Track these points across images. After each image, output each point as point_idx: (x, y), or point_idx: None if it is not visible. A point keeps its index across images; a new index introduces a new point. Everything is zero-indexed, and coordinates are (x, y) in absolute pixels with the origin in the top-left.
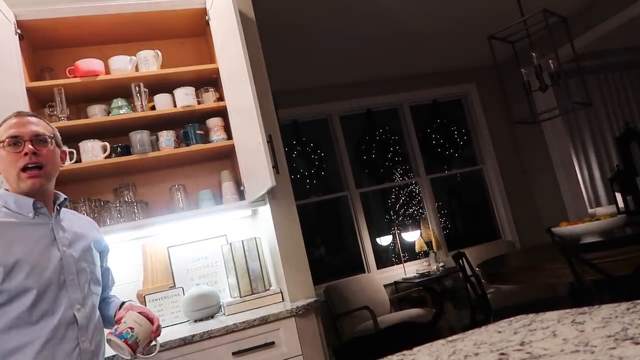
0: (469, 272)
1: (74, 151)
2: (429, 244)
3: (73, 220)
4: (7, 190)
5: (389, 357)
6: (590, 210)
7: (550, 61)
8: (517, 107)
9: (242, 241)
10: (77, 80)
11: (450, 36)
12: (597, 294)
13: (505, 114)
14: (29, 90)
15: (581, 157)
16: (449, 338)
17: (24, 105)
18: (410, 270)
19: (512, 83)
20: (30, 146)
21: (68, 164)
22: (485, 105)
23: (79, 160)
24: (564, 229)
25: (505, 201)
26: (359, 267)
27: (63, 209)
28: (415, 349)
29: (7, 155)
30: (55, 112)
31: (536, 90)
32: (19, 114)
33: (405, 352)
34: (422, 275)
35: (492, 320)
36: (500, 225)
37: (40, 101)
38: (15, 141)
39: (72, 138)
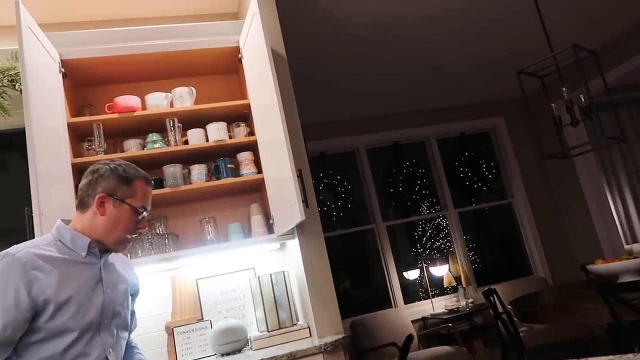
0: (500, 309)
1: None
2: (457, 278)
3: (115, 261)
4: (66, 223)
5: None
6: (626, 247)
7: (581, 95)
8: (547, 140)
9: (270, 274)
10: (115, 115)
11: (478, 70)
12: (636, 336)
13: (535, 147)
14: (70, 126)
15: (615, 191)
16: None
17: (64, 140)
18: (438, 305)
19: (541, 116)
20: (146, 222)
21: None
22: (514, 138)
23: None
24: (600, 266)
25: (536, 236)
26: (384, 301)
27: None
28: None
29: (125, 218)
30: (93, 147)
31: (567, 125)
32: (149, 183)
33: None
34: (451, 311)
35: None
36: (532, 260)
37: (79, 136)
38: (142, 212)
39: None
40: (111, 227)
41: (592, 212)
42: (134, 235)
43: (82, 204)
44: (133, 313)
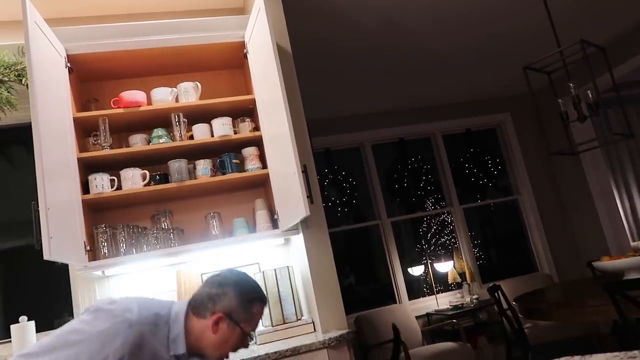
0: (505, 305)
1: (115, 179)
2: (462, 275)
3: None
4: (182, 320)
5: None
6: (632, 244)
7: (588, 91)
8: (554, 136)
9: (275, 269)
10: (121, 110)
11: (484, 65)
12: None
13: (541, 144)
14: (76, 120)
15: (622, 188)
16: None
17: (70, 134)
18: (442, 302)
19: (548, 112)
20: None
21: (109, 191)
22: (520, 134)
23: (119, 188)
24: (606, 263)
25: (542, 232)
26: (389, 297)
27: None
28: None
29: (234, 340)
30: (99, 141)
31: (574, 120)
32: (265, 305)
33: None
34: (455, 307)
35: (530, 357)
36: (537, 257)
37: (85, 130)
38: (251, 337)
39: (114, 166)
40: (218, 345)
41: (598, 209)
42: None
43: (197, 311)
44: None
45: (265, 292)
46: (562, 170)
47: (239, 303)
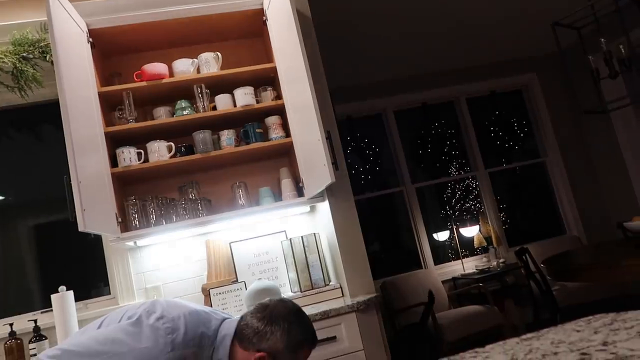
0: (532, 268)
1: (142, 151)
2: (488, 239)
3: None
4: (228, 346)
5: (461, 354)
6: None
7: (620, 46)
8: (583, 96)
9: (302, 237)
10: (144, 84)
11: (508, 25)
12: None
13: (569, 104)
14: (100, 95)
15: None
16: (523, 336)
17: (96, 109)
18: (469, 266)
19: (576, 71)
20: None
21: (136, 164)
22: (547, 95)
23: (146, 160)
24: (638, 223)
25: (569, 194)
26: (414, 263)
27: None
28: (488, 347)
29: None
30: (124, 115)
31: (605, 78)
32: (314, 347)
33: (477, 349)
34: (481, 271)
35: (558, 318)
36: (565, 219)
37: (110, 105)
38: None
39: (140, 139)
40: None
41: (629, 169)
42: None
43: (242, 341)
44: None
45: (294, 258)
46: (592, 131)
47: (285, 345)
